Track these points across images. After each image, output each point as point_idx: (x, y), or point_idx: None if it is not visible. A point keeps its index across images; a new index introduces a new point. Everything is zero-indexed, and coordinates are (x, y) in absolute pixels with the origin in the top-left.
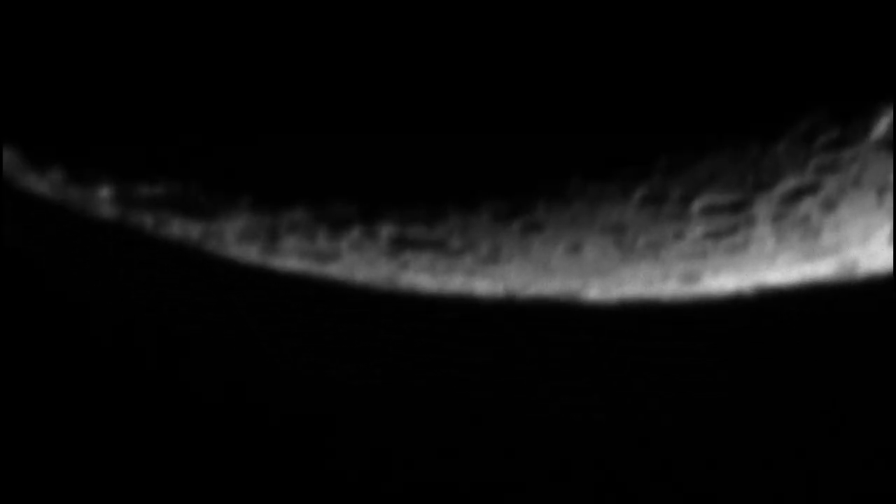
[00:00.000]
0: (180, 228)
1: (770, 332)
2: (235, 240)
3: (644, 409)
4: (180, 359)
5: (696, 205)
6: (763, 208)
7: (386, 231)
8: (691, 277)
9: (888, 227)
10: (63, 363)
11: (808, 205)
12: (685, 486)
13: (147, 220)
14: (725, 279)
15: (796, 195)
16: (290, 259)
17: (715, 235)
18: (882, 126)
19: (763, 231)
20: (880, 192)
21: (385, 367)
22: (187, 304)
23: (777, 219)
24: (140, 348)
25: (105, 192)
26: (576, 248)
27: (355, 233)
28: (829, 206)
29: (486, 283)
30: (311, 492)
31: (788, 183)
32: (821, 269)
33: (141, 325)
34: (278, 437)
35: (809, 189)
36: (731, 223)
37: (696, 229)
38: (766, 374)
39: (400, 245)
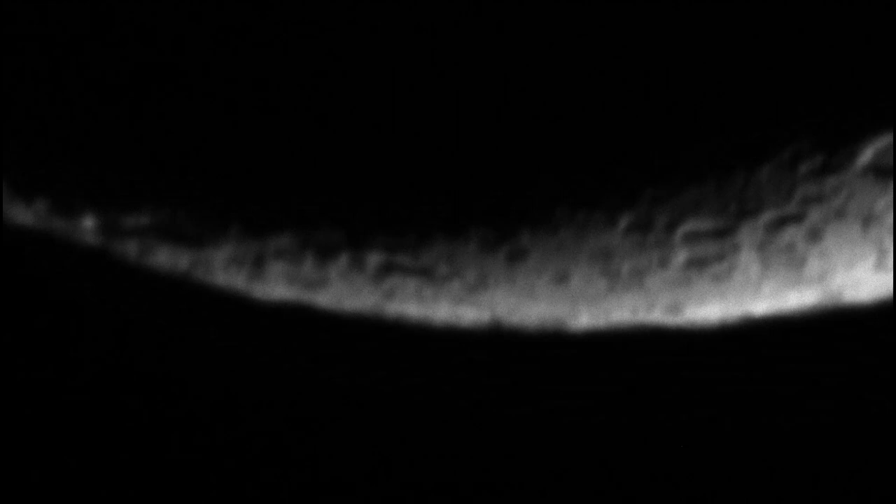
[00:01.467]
0: (168, 257)
1: (757, 360)
2: (223, 267)
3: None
4: (176, 362)
5: (681, 232)
6: (747, 236)
7: (373, 258)
8: (676, 307)
9: (873, 256)
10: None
11: (792, 233)
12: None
13: (132, 249)
14: (710, 308)
15: (780, 223)
16: (278, 286)
17: (699, 263)
18: (867, 154)
19: (747, 259)
20: (865, 221)
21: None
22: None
23: (761, 247)
24: (134, 351)
25: (89, 222)
26: (562, 276)
27: (343, 260)
28: (814, 235)
29: (472, 311)
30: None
31: (773, 211)
32: (806, 297)
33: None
34: (273, 437)
35: (794, 218)
36: (716, 251)
37: (681, 256)
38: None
39: (387, 272)
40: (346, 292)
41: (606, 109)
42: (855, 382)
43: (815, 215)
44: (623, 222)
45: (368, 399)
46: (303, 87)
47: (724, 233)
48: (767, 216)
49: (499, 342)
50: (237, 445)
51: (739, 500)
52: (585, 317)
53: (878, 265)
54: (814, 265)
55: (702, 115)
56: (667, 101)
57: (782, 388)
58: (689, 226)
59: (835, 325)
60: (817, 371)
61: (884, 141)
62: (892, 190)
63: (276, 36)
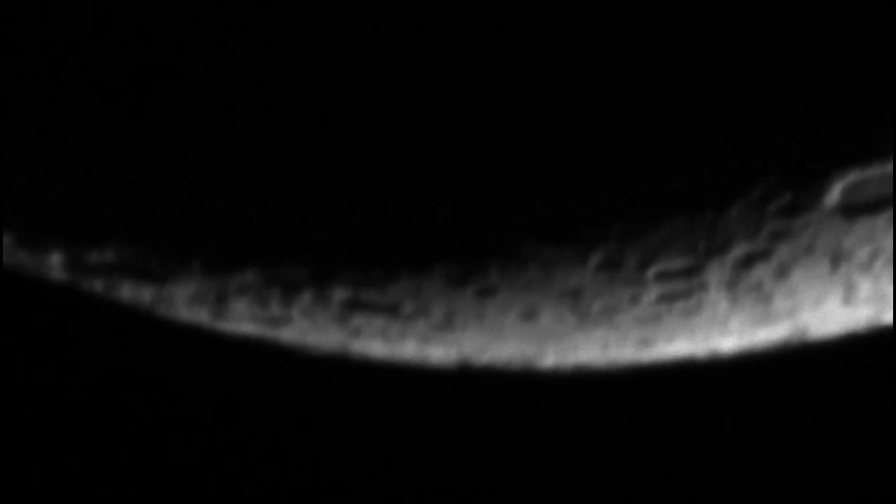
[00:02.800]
0: (131, 292)
1: (726, 396)
2: (186, 303)
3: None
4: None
5: (652, 270)
6: (716, 274)
7: (338, 295)
8: (646, 342)
9: (841, 292)
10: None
11: (760, 271)
12: None
13: (98, 285)
14: (679, 344)
15: (748, 261)
16: (242, 323)
17: (669, 299)
18: (835, 193)
19: (716, 296)
20: (833, 259)
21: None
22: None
23: (730, 284)
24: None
25: (56, 258)
26: (531, 314)
27: (307, 297)
28: (782, 272)
29: (440, 350)
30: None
31: (741, 248)
32: (774, 333)
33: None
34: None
35: (762, 255)
36: (685, 288)
37: (651, 294)
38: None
39: (352, 309)
40: (310, 329)
41: (575, 146)
42: (825, 414)
43: (783, 252)
44: (594, 260)
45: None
46: (264, 125)
47: (693, 271)
48: (736, 253)
49: (467, 381)
50: (234, 445)
51: None
52: (553, 355)
53: (846, 300)
54: (781, 302)
55: (671, 153)
56: (636, 137)
57: (750, 423)
58: (659, 265)
59: (803, 360)
60: (787, 405)
61: (851, 178)
62: (859, 228)
63: (276, 36)
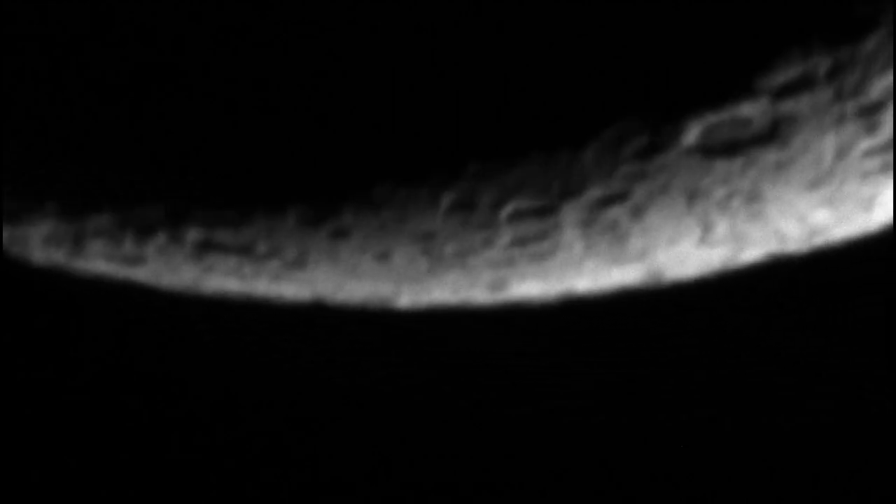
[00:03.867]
0: None
1: (579, 336)
2: (41, 244)
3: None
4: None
5: (505, 211)
6: (570, 215)
7: (192, 235)
8: (499, 284)
9: (697, 231)
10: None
11: (616, 211)
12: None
13: None
14: (532, 285)
15: (605, 202)
16: (97, 263)
17: (522, 242)
18: (692, 133)
19: (570, 237)
20: (690, 197)
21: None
22: None
23: (584, 225)
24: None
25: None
26: (385, 255)
27: (161, 237)
28: (638, 212)
29: (293, 288)
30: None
31: (597, 190)
32: (629, 275)
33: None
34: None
35: (618, 196)
36: (539, 229)
37: (505, 236)
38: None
39: (206, 249)
40: (164, 269)
41: (428, 88)
42: (683, 358)
43: (639, 193)
44: (445, 202)
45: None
46: (117, 68)
47: (547, 211)
48: (591, 195)
49: (322, 318)
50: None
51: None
52: (408, 296)
53: (703, 240)
54: (636, 242)
55: (525, 95)
56: (490, 80)
57: (611, 362)
58: (512, 205)
59: (657, 301)
60: (645, 344)
61: (710, 120)
62: (716, 167)
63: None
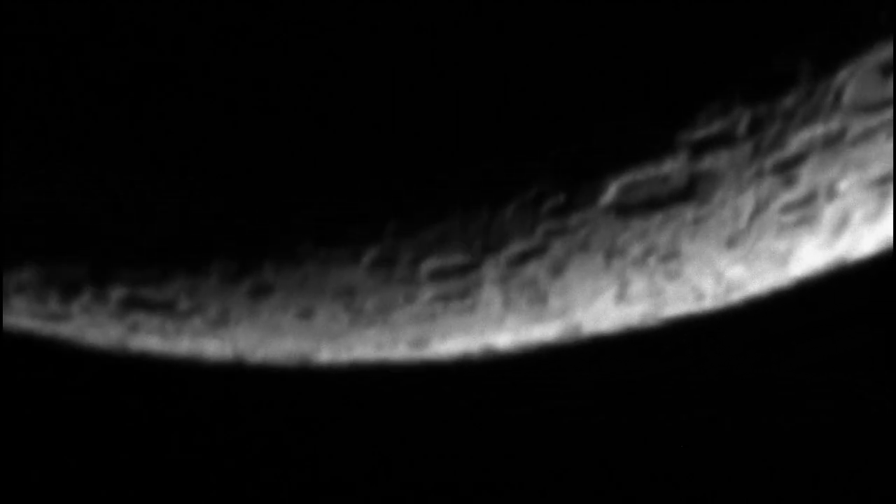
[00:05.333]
0: None
1: (500, 392)
2: None
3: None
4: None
5: (425, 268)
6: (491, 271)
7: (116, 293)
8: (420, 342)
9: (614, 289)
10: None
11: (535, 267)
12: None
13: None
14: (454, 342)
15: (523, 258)
16: (21, 318)
17: (444, 298)
18: (611, 192)
19: (491, 293)
20: (608, 254)
21: None
22: None
23: (504, 281)
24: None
25: None
26: (306, 312)
27: (86, 295)
28: (557, 269)
29: (215, 346)
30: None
31: (516, 246)
32: (548, 331)
33: None
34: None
35: (537, 252)
36: (460, 286)
37: (426, 293)
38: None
39: (130, 307)
40: (89, 326)
41: (350, 143)
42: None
43: (557, 249)
44: (367, 258)
45: None
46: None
47: (468, 268)
48: (511, 251)
49: (242, 376)
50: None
51: None
52: (328, 352)
53: (620, 297)
54: (556, 299)
55: (447, 152)
56: (412, 135)
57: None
58: (434, 262)
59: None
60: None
61: (627, 178)
62: (633, 224)
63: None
